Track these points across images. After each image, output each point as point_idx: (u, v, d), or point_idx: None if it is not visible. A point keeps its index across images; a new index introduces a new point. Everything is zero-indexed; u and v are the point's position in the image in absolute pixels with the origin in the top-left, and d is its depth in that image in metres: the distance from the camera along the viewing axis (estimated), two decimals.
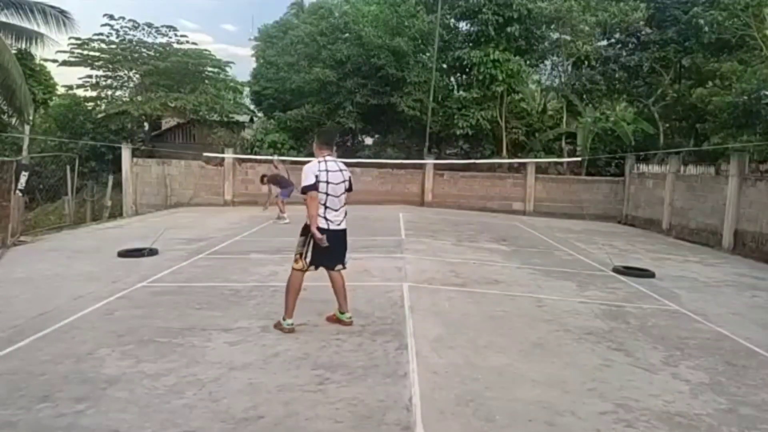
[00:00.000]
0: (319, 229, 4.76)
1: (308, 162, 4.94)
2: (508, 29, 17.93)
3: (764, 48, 15.79)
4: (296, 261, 4.91)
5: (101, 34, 20.34)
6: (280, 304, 5.04)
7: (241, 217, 13.93)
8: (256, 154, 18.37)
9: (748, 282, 8.52)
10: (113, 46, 20.50)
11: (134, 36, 20.86)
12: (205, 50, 22.45)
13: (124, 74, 21.40)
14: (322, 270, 5.03)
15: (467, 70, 18.93)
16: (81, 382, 3.81)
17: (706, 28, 16.87)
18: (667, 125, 19.78)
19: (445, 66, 20.22)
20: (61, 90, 22.17)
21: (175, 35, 21.34)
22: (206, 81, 22.25)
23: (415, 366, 4.23)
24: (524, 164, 18.59)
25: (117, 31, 20.50)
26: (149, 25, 20.90)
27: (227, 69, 22.98)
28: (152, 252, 8.42)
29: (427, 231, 12.04)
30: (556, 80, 21.52)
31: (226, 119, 22.41)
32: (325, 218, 4.83)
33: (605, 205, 18.07)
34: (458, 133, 18.67)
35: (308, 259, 4.88)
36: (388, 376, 4.05)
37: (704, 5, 17.15)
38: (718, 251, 11.90)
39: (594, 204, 18.00)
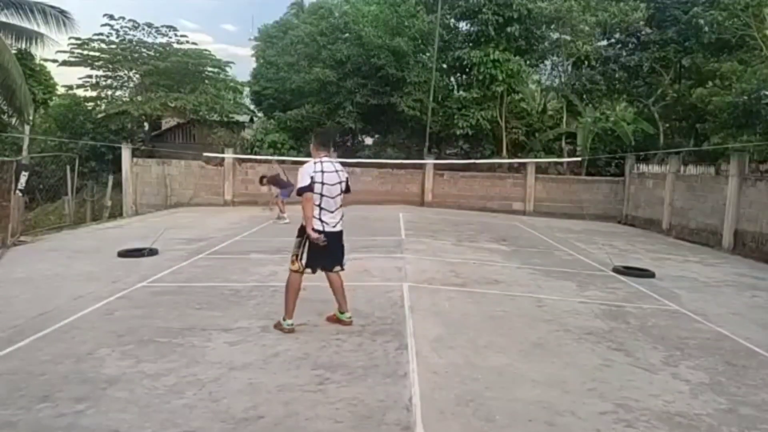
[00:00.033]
0: (315, 231, 4.74)
1: (306, 162, 4.94)
2: (508, 29, 17.93)
3: (764, 48, 15.79)
4: (292, 262, 4.90)
5: (101, 34, 20.36)
6: (280, 304, 5.03)
7: (241, 217, 13.94)
8: (256, 154, 18.37)
9: (748, 282, 8.52)
10: (113, 46, 20.50)
11: (134, 36, 20.87)
12: (205, 50, 22.51)
13: (124, 74, 21.39)
14: (320, 271, 5.02)
15: (467, 70, 18.93)
16: (81, 382, 3.81)
17: (706, 28, 16.87)
18: (667, 125, 19.77)
19: (445, 66, 20.21)
20: (61, 90, 22.19)
21: (175, 35, 21.39)
22: (206, 81, 22.25)
23: (415, 366, 4.23)
24: (524, 164, 18.59)
25: (117, 31, 20.51)
26: (149, 25, 20.93)
27: (227, 69, 23.03)
28: (152, 252, 8.43)
29: (427, 231, 12.04)
30: (556, 80, 21.51)
31: (226, 119, 22.39)
32: (320, 219, 4.79)
33: (605, 205, 18.06)
34: (458, 133, 18.67)
35: (304, 261, 4.86)
36: (388, 376, 4.05)
37: (704, 5, 17.15)
38: (718, 251, 11.89)
39: (594, 204, 17.99)
